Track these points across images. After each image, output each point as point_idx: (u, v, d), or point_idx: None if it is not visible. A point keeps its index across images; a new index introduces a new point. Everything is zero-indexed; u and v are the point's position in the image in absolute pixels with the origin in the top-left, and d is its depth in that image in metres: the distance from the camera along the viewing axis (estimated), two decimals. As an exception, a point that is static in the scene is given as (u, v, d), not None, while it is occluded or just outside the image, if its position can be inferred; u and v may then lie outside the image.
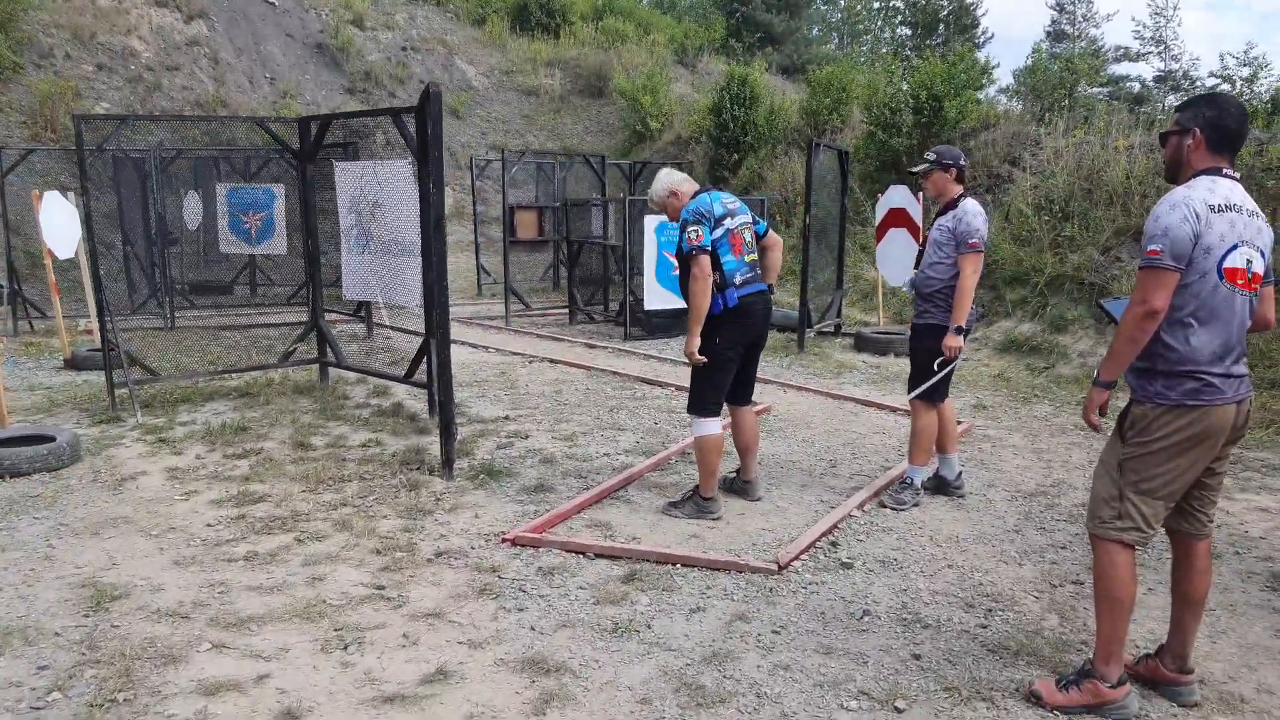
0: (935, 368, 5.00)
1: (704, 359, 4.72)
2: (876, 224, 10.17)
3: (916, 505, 5.14)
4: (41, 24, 18.71)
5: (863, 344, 9.90)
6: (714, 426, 4.84)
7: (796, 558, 4.39)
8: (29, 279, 11.46)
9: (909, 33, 36.85)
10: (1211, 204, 2.88)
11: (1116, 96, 28.25)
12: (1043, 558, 4.51)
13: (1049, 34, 38.25)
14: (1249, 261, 2.93)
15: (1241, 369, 3.02)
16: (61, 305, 9.05)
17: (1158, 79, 35.63)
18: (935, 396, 5.10)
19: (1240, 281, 2.93)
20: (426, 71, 25.55)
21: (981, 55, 25.98)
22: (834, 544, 4.62)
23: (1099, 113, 12.41)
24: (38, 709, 3.08)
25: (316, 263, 7.97)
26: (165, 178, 13.34)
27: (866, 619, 3.84)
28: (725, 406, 5.01)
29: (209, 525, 4.81)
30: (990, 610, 3.93)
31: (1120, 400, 3.20)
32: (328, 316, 11.43)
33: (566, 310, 12.05)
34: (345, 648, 3.54)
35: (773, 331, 10.77)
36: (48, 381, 8.19)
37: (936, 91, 12.75)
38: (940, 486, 5.38)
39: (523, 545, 4.54)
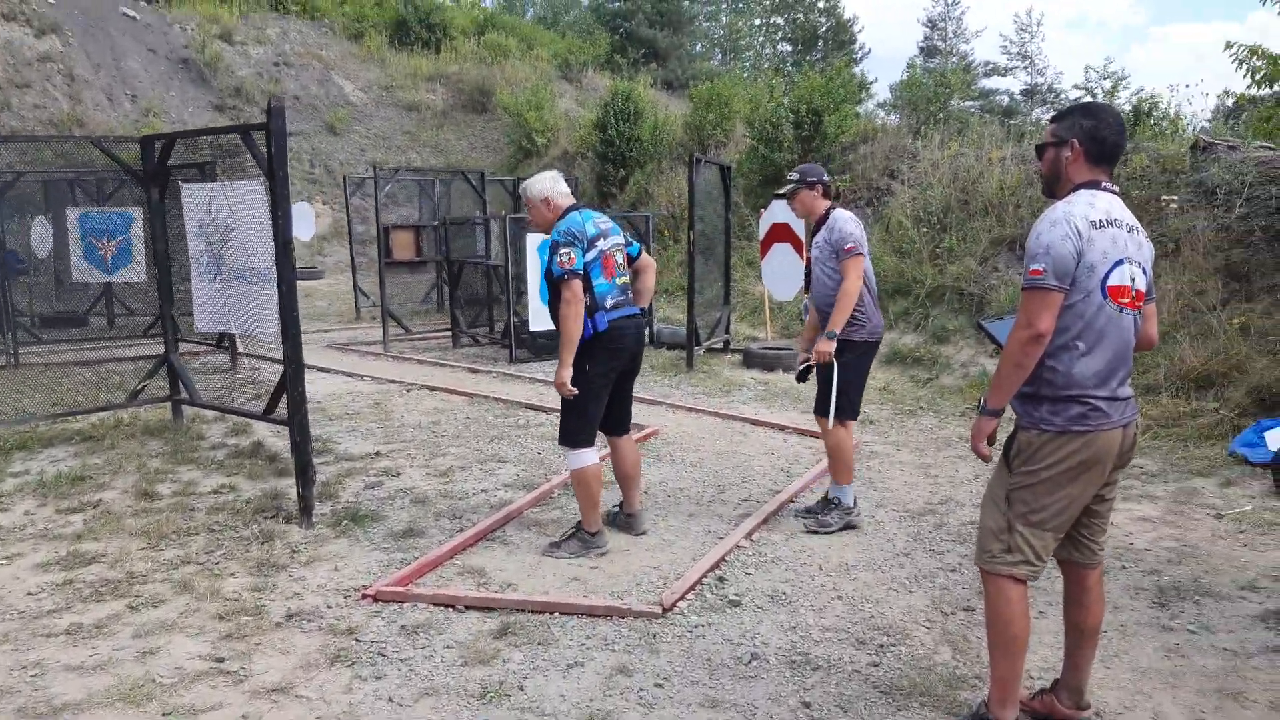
0: (795, 378, 5.11)
1: (574, 390, 4.43)
2: (760, 239, 10.08)
3: (848, 527, 4.98)
4: (-126, 37, 17.34)
5: (751, 360, 9.77)
6: (589, 457, 4.55)
7: (682, 598, 4.12)
8: None
9: (789, 49, 37.57)
10: (1093, 219, 2.74)
11: (988, 110, 29.30)
12: (933, 583, 4.36)
13: (922, 50, 39.60)
14: (1132, 279, 2.80)
15: (1127, 390, 2.88)
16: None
17: (1025, 92, 37.20)
18: (845, 413, 4.93)
19: (1125, 300, 2.79)
20: (301, 87, 24.68)
21: (858, 71, 26.61)
22: (721, 579, 4.37)
23: (972, 126, 12.67)
24: None
25: (168, 292, 7.38)
26: (14, 203, 12.38)
27: (755, 663, 3.59)
28: (603, 437, 4.74)
29: (30, 594, 4.26)
30: (882, 646, 3.73)
31: (1006, 428, 3.04)
32: (189, 348, 10.78)
33: (449, 333, 11.61)
34: (172, 737, 3.10)
35: (662, 349, 10.64)
36: None
37: (816, 106, 12.81)
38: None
39: (385, 601, 4.15)
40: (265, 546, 4.82)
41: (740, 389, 8.74)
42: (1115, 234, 2.76)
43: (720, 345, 10.58)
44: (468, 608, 4.07)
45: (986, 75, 37.92)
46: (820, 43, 37.00)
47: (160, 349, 8.42)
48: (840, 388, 4.85)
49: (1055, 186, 2.93)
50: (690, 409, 7.85)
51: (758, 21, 40.09)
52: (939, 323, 9.41)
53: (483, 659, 3.62)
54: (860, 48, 37.97)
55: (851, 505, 5.03)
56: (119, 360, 9.92)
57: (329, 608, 4.10)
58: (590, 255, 4.44)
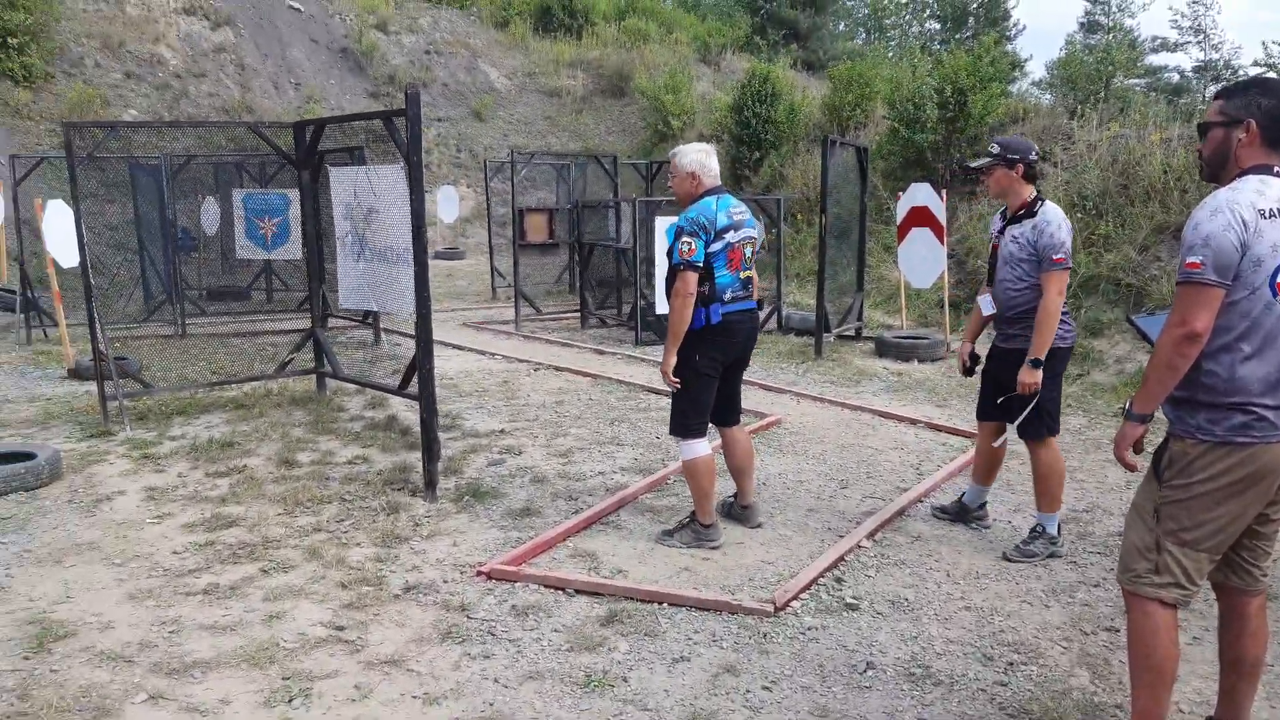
0: (1000, 402, 4.45)
1: (678, 381, 4.36)
2: (898, 223, 9.74)
3: (1052, 556, 4.45)
4: (73, 33, 18.71)
5: (884, 349, 9.47)
6: (701, 448, 4.49)
7: (795, 597, 4.01)
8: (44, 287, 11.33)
9: (938, 27, 36.19)
10: (1261, 208, 2.47)
11: (1155, 88, 27.51)
12: (1073, 598, 4.10)
13: (1082, 25, 37.47)
14: (1307, 275, 2.51)
15: (1301, 399, 2.58)
16: (67, 314, 8.86)
17: (1197, 69, 34.74)
18: (1046, 429, 4.40)
19: (1298, 298, 2.51)
20: (450, 74, 25.38)
21: (1011, 48, 25.39)
22: (839, 580, 4.24)
23: (1135, 105, 11.87)
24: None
25: (317, 270, 7.69)
26: (188, 184, 13.19)
27: (870, 673, 3.46)
28: (714, 428, 4.66)
29: (175, 553, 4.52)
30: (1011, 664, 3.53)
31: (1158, 435, 2.80)
32: (338, 323, 11.24)
33: (578, 314, 11.72)
34: (290, 701, 3.22)
35: (790, 335, 10.44)
36: (49, 392, 7.97)
37: (961, 85, 12.26)
38: (961, 514, 4.98)
39: (498, 579, 4.20)
40: (391, 518, 4.96)
41: (870, 379, 8.48)
42: None
43: (852, 333, 10.30)
44: (577, 591, 4.07)
45: (1154, 51, 35.57)
46: (970, 19, 35.46)
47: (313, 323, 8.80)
48: (1045, 406, 4.35)
49: (1219, 171, 2.65)
50: (816, 398, 7.66)
51: (904, -1, 38.80)
52: (1092, 315, 8.87)
53: (589, 646, 3.61)
54: (1014, 24, 36.21)
55: (1056, 535, 4.50)
56: (274, 333, 10.42)
57: (445, 582, 4.18)
58: (716, 246, 4.33)
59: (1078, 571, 4.37)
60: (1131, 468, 2.75)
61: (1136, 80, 26.09)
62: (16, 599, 3.99)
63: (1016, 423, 4.41)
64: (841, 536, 4.71)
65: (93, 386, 8.07)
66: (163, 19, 20.62)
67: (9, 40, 16.24)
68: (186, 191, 13.54)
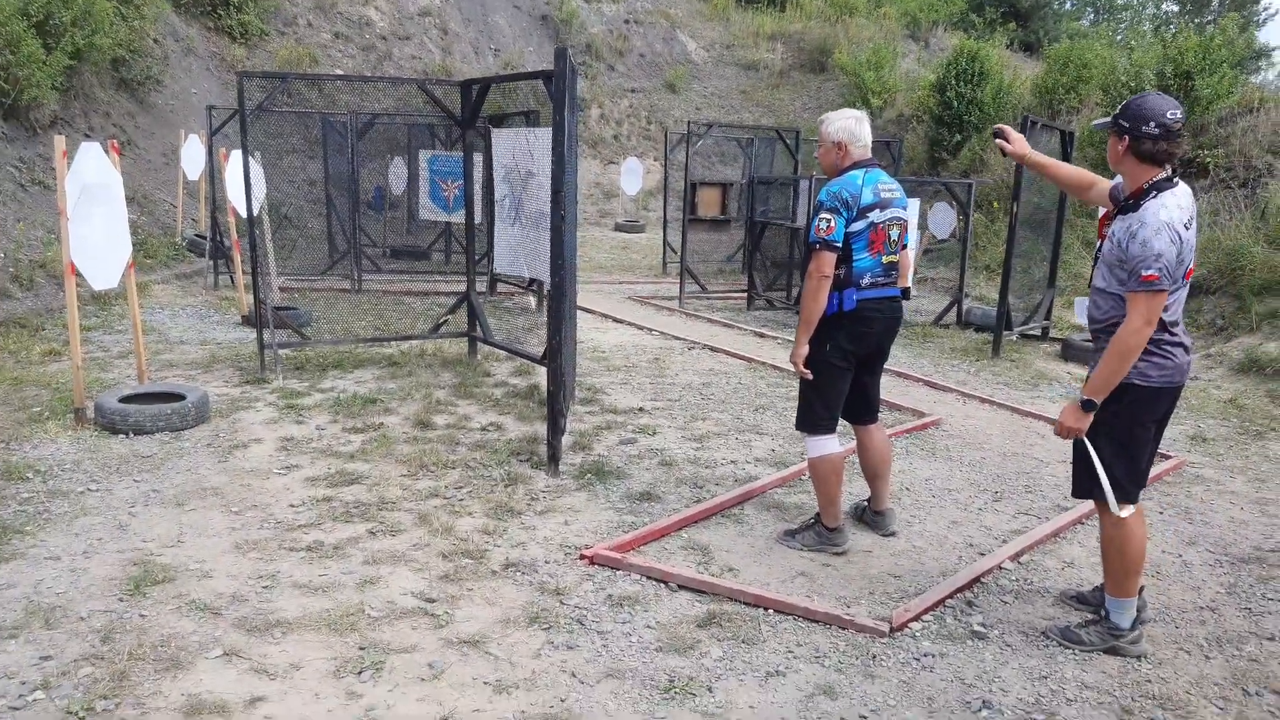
0: (1076, 464, 3.46)
1: (808, 371, 4.00)
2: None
3: (1110, 650, 3.44)
4: (290, -7, 19.87)
5: (1070, 352, 8.65)
6: (830, 445, 4.11)
7: (917, 617, 3.61)
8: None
9: (1175, 8, 33.10)
10: None
11: None
12: (1239, 650, 3.50)
13: (1352, 7, 33.30)
14: None
15: None
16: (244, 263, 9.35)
17: None
18: (1102, 493, 3.34)
19: None
20: (646, 45, 25.37)
21: (1261, 35, 22.83)
22: (970, 603, 3.79)
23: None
24: (15, 709, 2.85)
25: (472, 234, 7.75)
26: (380, 143, 13.71)
27: (986, 713, 3.04)
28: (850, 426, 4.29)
29: (292, 506, 4.58)
30: (1154, 722, 3.02)
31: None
32: (505, 288, 11.40)
33: (745, 295, 11.37)
34: (360, 673, 3.13)
35: (969, 330, 9.73)
36: (221, 338, 8.41)
37: (1187, 68, 11.00)
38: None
39: (601, 565, 4.00)
40: (509, 490, 4.86)
41: (1050, 384, 7.75)
42: None
43: (1037, 332, 9.48)
44: (680, 587, 3.83)
45: None
46: (1214, 2, 32.18)
47: (480, 286, 8.89)
48: (1108, 462, 3.33)
49: None
50: (984, 400, 7.05)
51: (1140, -25, 35.67)
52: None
53: (680, 647, 3.36)
54: (1265, 8, 32.57)
55: (1126, 628, 3.45)
56: (444, 294, 10.65)
57: (546, 563, 4.03)
58: (858, 225, 3.93)
59: (1250, 620, 3.74)
60: None
61: None
62: (131, 539, 4.12)
63: (1075, 485, 3.51)
64: (983, 554, 4.24)
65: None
66: (375, -19, 21.57)
67: (230, 0, 17.38)
68: (380, 151, 14.10)
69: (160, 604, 3.55)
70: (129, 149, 12.89)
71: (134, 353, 6.19)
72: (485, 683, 3.11)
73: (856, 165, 4.03)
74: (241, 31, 17.74)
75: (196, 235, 12.29)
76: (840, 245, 3.90)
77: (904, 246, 4.16)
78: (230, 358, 7.53)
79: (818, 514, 4.29)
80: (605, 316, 10.14)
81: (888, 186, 4.05)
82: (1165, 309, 3.16)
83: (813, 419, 4.12)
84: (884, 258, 4.02)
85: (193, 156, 11.59)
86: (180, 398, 5.76)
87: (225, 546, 4.08)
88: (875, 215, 3.96)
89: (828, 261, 3.88)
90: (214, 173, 10.76)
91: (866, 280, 3.98)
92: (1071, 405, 3.29)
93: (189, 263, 11.79)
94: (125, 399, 5.70)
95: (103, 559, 3.91)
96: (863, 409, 4.31)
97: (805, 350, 4.01)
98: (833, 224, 3.88)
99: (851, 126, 4.03)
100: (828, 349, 4.01)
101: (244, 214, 8.93)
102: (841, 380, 4.09)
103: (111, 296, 8.96)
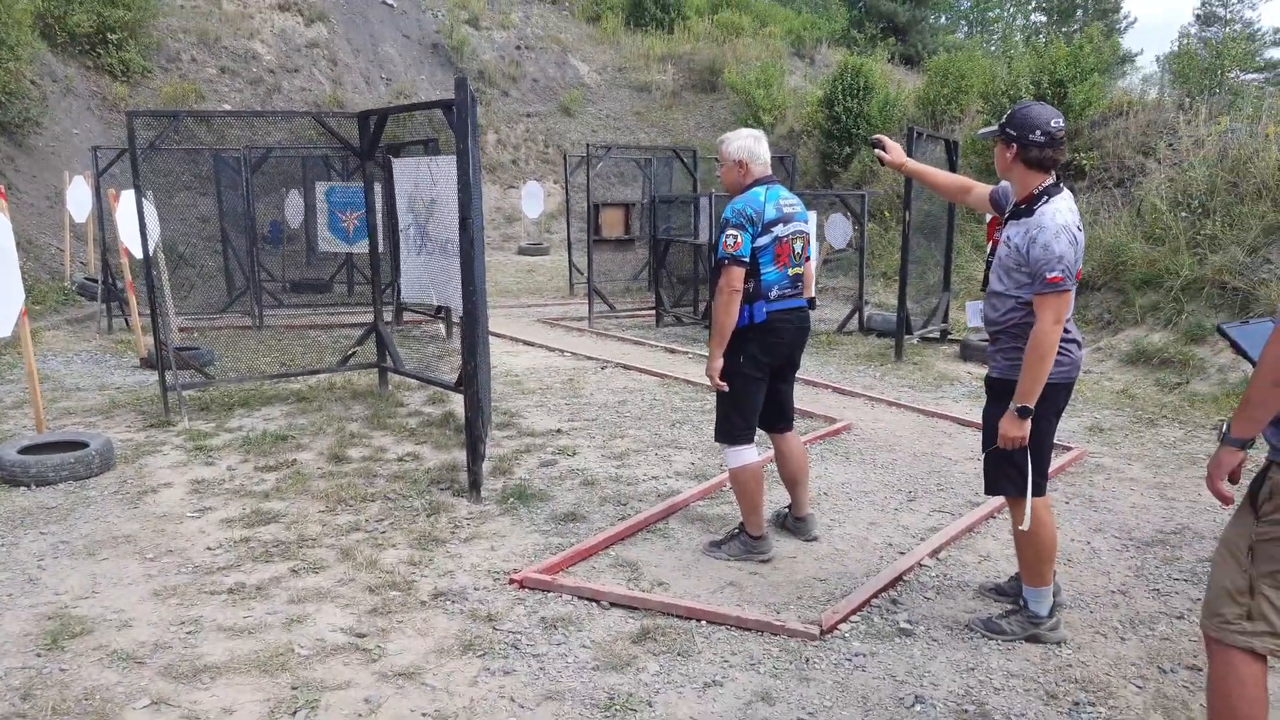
0: (986, 456, 3.55)
1: (724, 384, 4.08)
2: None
3: (1031, 638, 3.57)
4: (170, 29, 19.29)
5: (969, 353, 8.98)
6: (749, 455, 4.19)
7: (845, 619, 3.70)
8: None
9: (1044, 19, 34.84)
10: None
11: (1276, 83, 25.89)
12: (1152, 630, 3.69)
13: (1199, 17, 35.61)
14: None
15: None
16: (140, 305, 9.03)
17: (1326, 61, 32.62)
18: (1014, 486, 3.48)
19: None
20: (540, 69, 25.44)
21: (1123, 42, 24.21)
22: (895, 601, 3.91)
23: (1247, 98, 11.05)
24: (-77, 779, 2.70)
25: (376, 264, 7.65)
26: (274, 177, 13.39)
27: (919, 708, 3.13)
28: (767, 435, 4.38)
29: (209, 549, 4.44)
30: (1078, 703, 3.16)
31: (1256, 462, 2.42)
32: (413, 317, 11.26)
33: (653, 312, 11.48)
34: (294, 713, 3.06)
35: (871, 336, 10.03)
36: (119, 381, 8.10)
37: (1060, 76, 11.60)
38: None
39: (531, 588, 3.99)
40: (431, 519, 4.80)
41: (952, 384, 8.03)
42: None
43: (936, 334, 9.83)
44: (612, 604, 3.84)
45: (1276, 44, 33.54)
46: (1079, 11, 33.98)
47: (385, 316, 8.76)
48: (1033, 460, 3.44)
49: None
50: (891, 403, 7.27)
51: (1010, -10, 37.45)
52: (1194, 319, 8.24)
53: (617, 665, 3.37)
54: (1124, 16, 34.60)
55: (1044, 616, 3.59)
56: (347, 326, 10.46)
57: (475, 590, 3.99)
58: (763, 240, 4.04)
59: (1160, 601, 3.94)
60: (1226, 500, 2.38)
61: (1254, 75, 24.57)
62: (43, 592, 3.94)
63: (989, 484, 3.59)
64: (902, 553, 4.37)
65: (164, 376, 8.21)
66: (258, 15, 21.13)
67: (109, 36, 16.78)
68: (275, 185, 13.79)
69: (80, 656, 3.40)
70: (11, 193, 12.32)
71: (29, 402, 5.92)
72: (424, 714, 3.07)
73: (758, 182, 4.14)
74: (123, 70, 17.16)
75: (87, 279, 11.81)
76: (748, 260, 3.99)
77: (808, 258, 4.29)
78: (131, 402, 7.25)
79: (741, 524, 4.36)
80: (516, 340, 10.11)
81: (789, 201, 4.17)
82: None
83: (731, 430, 4.19)
84: (790, 270, 4.13)
85: (78, 198, 11.14)
86: (83, 445, 5.53)
87: (143, 594, 3.93)
88: (779, 230, 4.07)
89: (737, 276, 3.97)
90: (103, 214, 10.38)
91: (775, 292, 4.08)
92: (1008, 416, 3.34)
93: (80, 307, 11.33)
94: (25, 450, 5.45)
95: (15, 614, 3.73)
96: (778, 417, 4.41)
97: (720, 363, 4.09)
98: (739, 239, 3.97)
99: (751, 145, 4.15)
100: (741, 361, 4.09)
101: (138, 254, 8.66)
102: (756, 390, 4.17)
103: (1, 345, 8.54)
